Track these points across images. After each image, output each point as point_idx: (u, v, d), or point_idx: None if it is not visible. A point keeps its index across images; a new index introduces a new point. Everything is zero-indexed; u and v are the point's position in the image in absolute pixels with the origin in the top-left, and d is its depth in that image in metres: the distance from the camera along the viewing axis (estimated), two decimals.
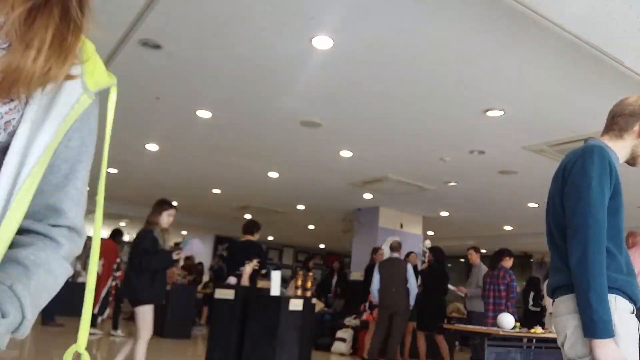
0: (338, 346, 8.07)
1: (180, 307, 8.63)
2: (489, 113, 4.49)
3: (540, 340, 5.76)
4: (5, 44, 0.60)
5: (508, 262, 6.39)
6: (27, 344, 7.05)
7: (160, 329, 8.52)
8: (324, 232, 13.54)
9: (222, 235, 15.36)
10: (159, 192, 9.94)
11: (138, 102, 4.97)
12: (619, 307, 1.59)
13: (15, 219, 0.62)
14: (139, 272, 4.24)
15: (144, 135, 6.09)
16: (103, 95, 0.78)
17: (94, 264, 0.77)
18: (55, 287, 0.74)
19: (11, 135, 0.63)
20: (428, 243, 9.67)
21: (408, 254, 8.09)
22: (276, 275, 5.65)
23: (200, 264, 13.07)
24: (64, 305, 10.92)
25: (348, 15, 3.15)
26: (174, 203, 10.57)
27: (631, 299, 1.63)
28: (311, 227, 12.97)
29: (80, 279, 11.45)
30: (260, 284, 6.18)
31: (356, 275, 9.48)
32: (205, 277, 13.26)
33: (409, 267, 6.98)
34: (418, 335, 7.22)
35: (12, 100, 0.62)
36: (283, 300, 5.40)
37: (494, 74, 3.73)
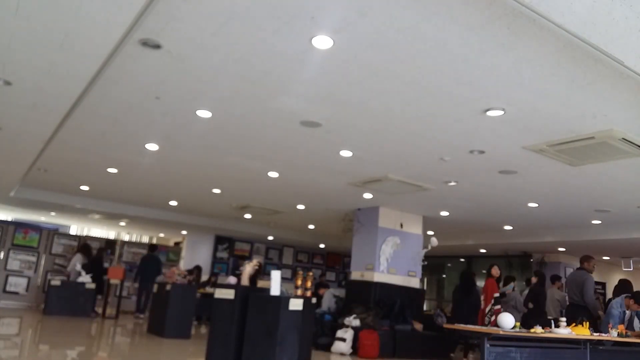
0: (338, 346, 8.07)
1: (180, 307, 8.63)
2: (489, 113, 4.49)
3: (540, 340, 5.77)
4: None
5: None
6: (26, 343, 7.06)
7: (160, 329, 8.53)
8: (324, 232, 13.54)
9: (222, 235, 15.36)
10: (159, 192, 9.96)
11: (138, 102, 4.97)
12: None
13: None
14: None
15: (144, 135, 6.09)
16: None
17: None
18: None
19: None
20: (434, 241, 9.63)
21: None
22: (276, 275, 5.65)
23: (199, 267, 13.08)
24: (65, 305, 10.98)
25: (348, 15, 3.15)
26: (174, 203, 10.63)
27: None
28: (311, 227, 12.97)
29: (80, 279, 11.47)
30: (260, 283, 6.19)
31: (356, 275, 9.49)
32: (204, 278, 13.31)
33: None
34: None
35: None
36: (283, 300, 5.39)
37: (493, 73, 3.73)
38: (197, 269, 12.88)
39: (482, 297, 8.44)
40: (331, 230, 12.37)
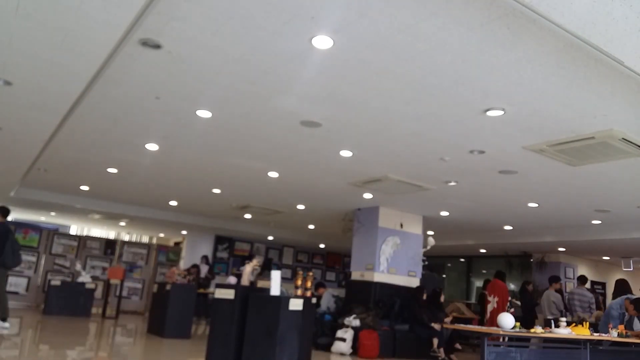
0: (338, 346, 8.07)
1: (180, 307, 8.63)
2: (489, 113, 4.49)
3: (540, 340, 5.77)
4: None
5: None
6: (26, 343, 7.06)
7: (160, 329, 8.53)
8: (324, 232, 13.54)
9: (222, 235, 15.36)
10: (159, 192, 9.96)
11: (138, 102, 4.97)
12: None
13: None
14: None
15: (144, 135, 6.09)
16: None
17: None
18: None
19: None
20: (432, 240, 9.67)
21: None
22: (276, 275, 5.65)
23: (196, 265, 13.10)
24: (65, 305, 10.97)
25: (348, 15, 3.15)
26: (174, 203, 10.61)
27: None
28: (311, 227, 12.97)
29: (80, 279, 11.47)
30: (260, 283, 6.18)
31: (356, 275, 9.49)
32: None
33: None
34: None
35: None
36: (283, 300, 5.39)
37: (493, 73, 3.73)
38: (205, 258, 13.14)
39: (496, 299, 8.66)
40: (331, 230, 12.36)
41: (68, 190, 10.52)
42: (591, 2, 2.32)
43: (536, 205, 8.05)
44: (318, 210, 10.36)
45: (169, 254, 15.19)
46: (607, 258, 12.89)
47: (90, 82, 4.30)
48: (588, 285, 10.36)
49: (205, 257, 13.66)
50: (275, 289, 5.55)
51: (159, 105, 4.99)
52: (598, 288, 13.09)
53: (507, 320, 5.51)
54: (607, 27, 2.46)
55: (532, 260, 12.93)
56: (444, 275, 16.39)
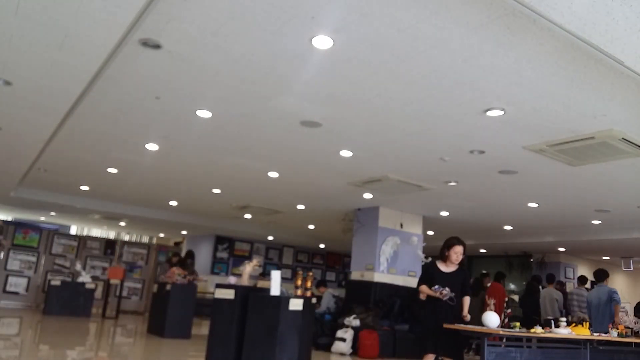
0: (338, 346, 8.07)
1: (180, 307, 8.63)
2: (489, 113, 4.49)
3: (540, 340, 5.77)
4: None
5: None
6: (26, 343, 7.06)
7: (160, 329, 8.53)
8: (324, 232, 13.54)
9: (222, 235, 15.36)
10: (159, 192, 9.96)
11: (138, 102, 4.97)
12: None
13: None
14: None
15: (144, 135, 6.09)
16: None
17: None
18: None
19: None
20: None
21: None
22: (276, 275, 5.65)
23: (190, 252, 13.03)
24: (65, 305, 10.98)
25: (348, 15, 3.15)
26: (174, 203, 10.62)
27: None
28: (311, 227, 12.97)
29: (80, 279, 11.48)
30: (260, 283, 6.19)
31: (356, 275, 9.49)
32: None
33: None
34: None
35: None
36: (283, 300, 5.39)
37: (494, 73, 3.73)
38: (190, 256, 12.54)
39: (493, 301, 8.75)
40: (331, 230, 12.37)
41: (68, 190, 10.52)
42: (591, 2, 2.32)
43: (536, 205, 8.05)
44: (318, 210, 10.36)
45: (169, 253, 15.19)
46: (607, 258, 12.89)
47: (90, 82, 4.30)
48: (588, 285, 10.37)
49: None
50: (275, 289, 5.55)
51: (159, 105, 4.99)
52: None
53: (491, 319, 5.44)
54: (607, 27, 2.46)
55: (532, 260, 12.93)
56: None
